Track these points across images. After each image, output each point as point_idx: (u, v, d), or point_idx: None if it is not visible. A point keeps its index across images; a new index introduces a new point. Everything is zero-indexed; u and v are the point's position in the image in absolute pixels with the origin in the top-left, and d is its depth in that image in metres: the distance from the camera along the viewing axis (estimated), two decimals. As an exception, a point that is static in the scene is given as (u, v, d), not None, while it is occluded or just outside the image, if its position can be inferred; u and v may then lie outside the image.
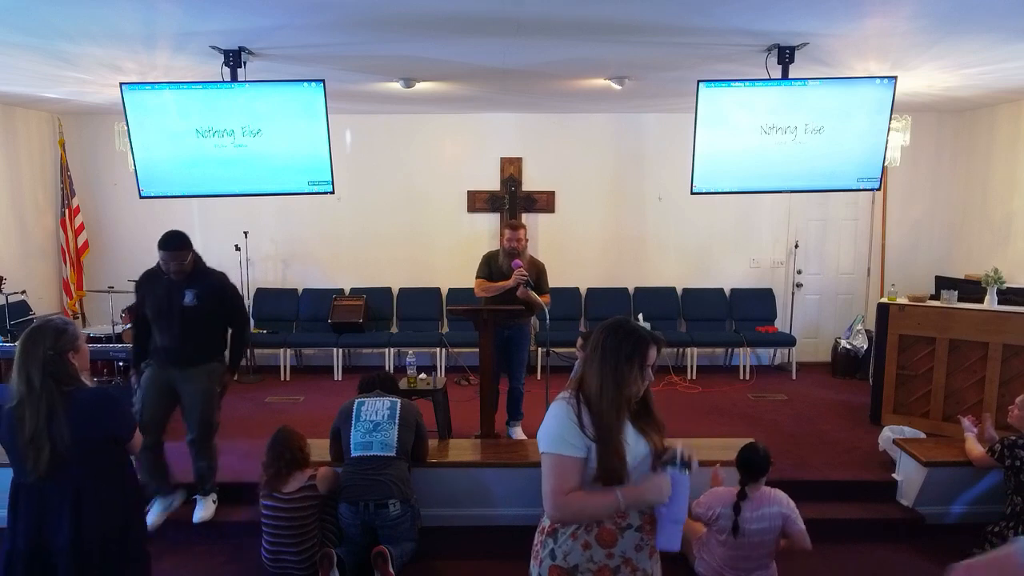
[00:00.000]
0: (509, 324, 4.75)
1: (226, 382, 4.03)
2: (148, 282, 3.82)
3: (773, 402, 5.97)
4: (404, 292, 7.16)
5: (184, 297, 3.70)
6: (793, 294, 7.17)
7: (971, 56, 4.34)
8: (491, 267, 4.82)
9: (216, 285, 3.87)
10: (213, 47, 4.04)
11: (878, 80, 4.23)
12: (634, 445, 1.94)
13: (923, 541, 3.88)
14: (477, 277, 4.87)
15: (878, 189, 4.77)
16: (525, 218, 7.03)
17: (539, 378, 5.95)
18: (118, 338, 5.85)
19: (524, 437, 4.84)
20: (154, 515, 3.81)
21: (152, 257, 3.78)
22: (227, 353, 4.04)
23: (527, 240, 4.87)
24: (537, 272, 4.80)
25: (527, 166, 7.10)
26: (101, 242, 7.05)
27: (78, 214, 6.80)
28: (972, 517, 3.91)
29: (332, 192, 4.49)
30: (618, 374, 1.91)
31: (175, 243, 3.68)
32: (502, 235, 4.90)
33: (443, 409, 4.61)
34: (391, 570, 3.36)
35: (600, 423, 1.89)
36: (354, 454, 3.57)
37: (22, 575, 2.44)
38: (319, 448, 3.88)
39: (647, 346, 1.96)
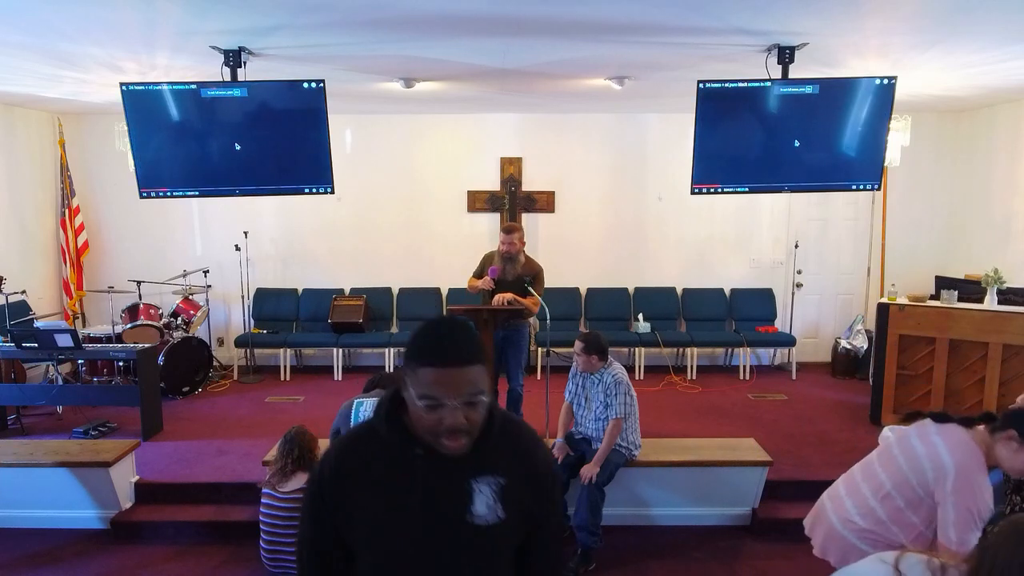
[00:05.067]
0: (505, 325, 4.75)
1: None
2: (357, 462, 1.45)
3: (773, 402, 5.97)
4: (404, 292, 7.16)
5: (472, 501, 1.41)
6: (793, 294, 7.17)
7: (971, 56, 4.34)
8: (485, 268, 4.88)
9: (535, 461, 1.50)
10: (213, 47, 4.03)
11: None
12: None
13: (923, 541, 3.88)
14: (473, 275, 4.97)
15: (878, 189, 4.77)
16: (525, 218, 7.04)
17: (539, 378, 5.96)
18: (118, 338, 5.85)
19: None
20: None
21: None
22: None
23: (523, 243, 4.88)
24: (534, 274, 4.81)
25: (527, 166, 7.10)
26: (101, 242, 7.03)
27: (78, 214, 6.79)
28: (972, 517, 3.91)
29: (332, 192, 4.49)
30: None
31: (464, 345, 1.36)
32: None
33: (443, 409, 4.61)
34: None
35: None
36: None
37: None
38: (320, 447, 3.87)
39: None
